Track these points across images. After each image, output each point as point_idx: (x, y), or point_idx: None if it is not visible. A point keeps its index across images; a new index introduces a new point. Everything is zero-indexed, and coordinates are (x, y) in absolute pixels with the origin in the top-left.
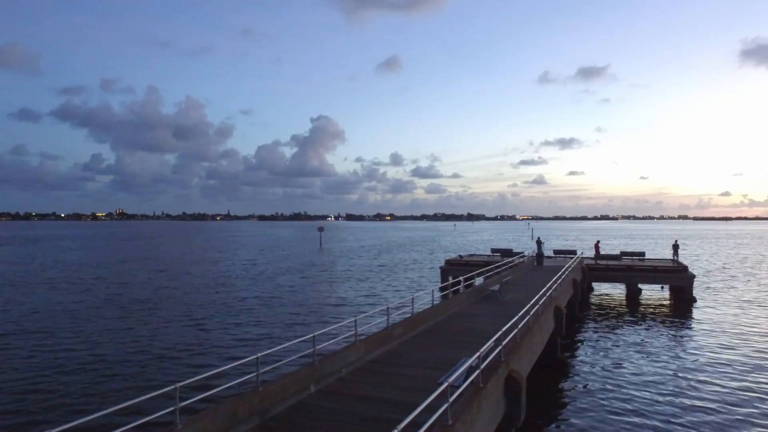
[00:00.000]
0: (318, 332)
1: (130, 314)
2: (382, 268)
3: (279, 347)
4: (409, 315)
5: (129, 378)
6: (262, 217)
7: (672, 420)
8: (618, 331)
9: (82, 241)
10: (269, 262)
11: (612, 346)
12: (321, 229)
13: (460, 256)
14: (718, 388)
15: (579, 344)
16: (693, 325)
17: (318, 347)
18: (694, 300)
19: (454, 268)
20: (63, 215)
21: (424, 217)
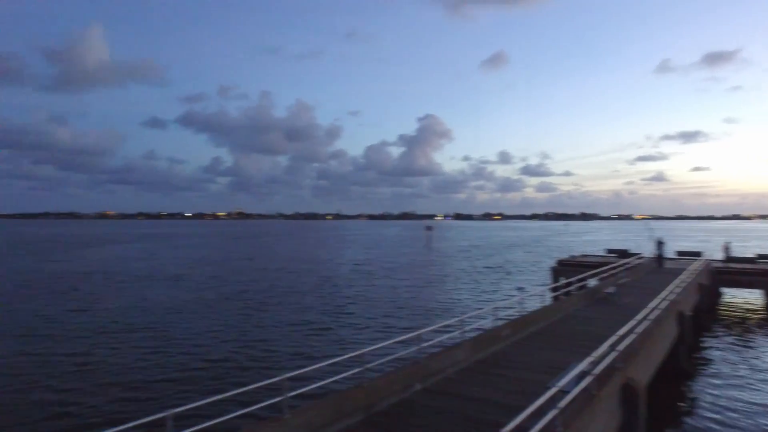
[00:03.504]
0: (424, 330)
1: (242, 308)
2: (490, 268)
3: (385, 343)
4: (518, 316)
5: (239, 368)
6: (371, 216)
7: None
8: (753, 343)
9: (204, 238)
10: (376, 260)
11: (745, 360)
12: (429, 228)
13: (572, 256)
14: None
15: (706, 355)
16: None
17: (424, 345)
18: None
19: (566, 268)
20: (187, 214)
21: (534, 217)
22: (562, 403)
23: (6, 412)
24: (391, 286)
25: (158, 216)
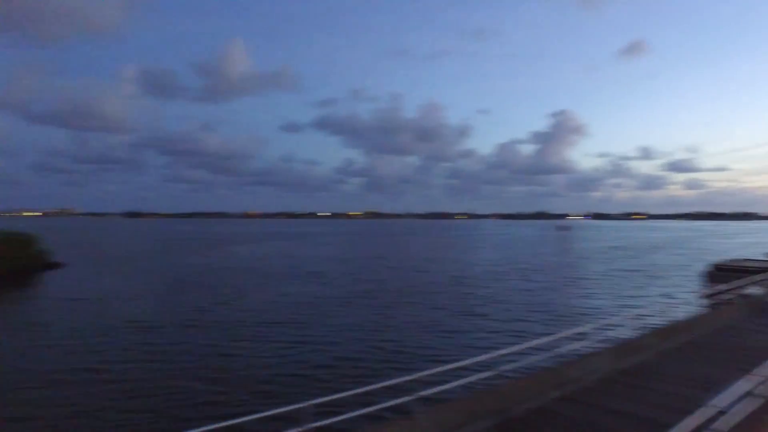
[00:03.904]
0: (559, 335)
1: (375, 306)
2: (632, 272)
3: (519, 347)
4: (665, 324)
5: (371, 366)
6: (503, 216)
7: None
8: None
9: (339, 237)
10: (509, 261)
11: None
12: (563, 228)
13: (729, 260)
14: None
15: None
16: None
17: (559, 351)
18: None
19: (723, 274)
20: (323, 214)
21: (681, 216)
22: (721, 425)
23: (154, 396)
24: (524, 288)
25: (296, 215)
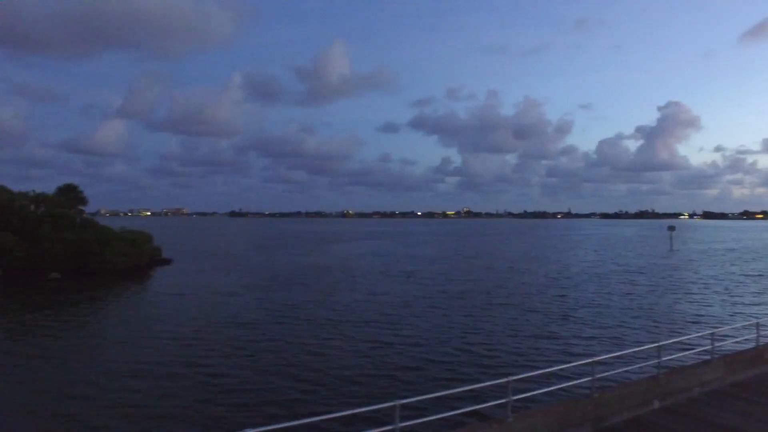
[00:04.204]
0: (664, 342)
1: (467, 306)
2: (750, 277)
3: (618, 353)
4: None
5: (462, 367)
6: (604, 215)
7: None
8: None
9: (434, 236)
10: (610, 262)
11: None
12: (672, 228)
13: None
14: None
15: None
16: None
17: (664, 359)
18: None
19: None
20: (418, 213)
21: None
22: None
23: (243, 391)
24: (626, 292)
25: (392, 215)
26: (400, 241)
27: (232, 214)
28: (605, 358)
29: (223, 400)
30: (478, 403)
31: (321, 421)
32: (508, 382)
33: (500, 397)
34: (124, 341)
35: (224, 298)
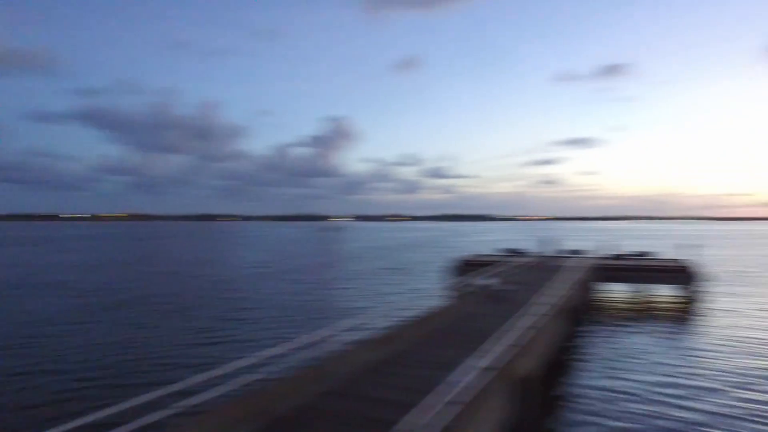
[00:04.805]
0: (323, 332)
1: (129, 317)
2: (391, 269)
3: (281, 348)
4: (417, 315)
5: (121, 383)
6: (275, 218)
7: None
8: (626, 332)
9: (97, 241)
10: (275, 262)
11: (620, 347)
12: (330, 229)
13: (470, 256)
14: (718, 397)
15: (587, 346)
16: (700, 328)
17: (323, 347)
18: (704, 301)
19: (465, 268)
20: (77, 215)
21: (436, 218)
22: (456, 398)
23: None
24: (289, 289)
25: (40, 217)
26: (51, 248)
27: None
28: (270, 354)
29: None
30: (139, 418)
31: None
32: (171, 391)
33: (164, 408)
34: None
35: None
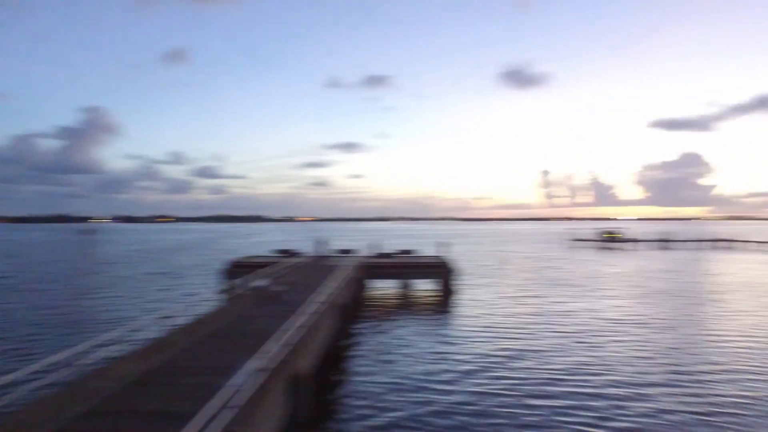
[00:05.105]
0: (81, 347)
1: None
2: (158, 274)
3: (29, 368)
4: (190, 320)
5: None
6: (12, 219)
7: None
8: (395, 325)
9: None
10: (17, 271)
11: (389, 339)
12: (87, 232)
13: (242, 257)
14: (477, 378)
15: (360, 340)
16: (454, 315)
17: (83, 363)
18: (457, 292)
19: (237, 270)
20: None
21: (205, 219)
22: (234, 402)
23: None
24: (37, 301)
25: None
26: None
27: None
28: (14, 379)
29: None
30: None
31: None
32: None
33: None
34: None
35: None
